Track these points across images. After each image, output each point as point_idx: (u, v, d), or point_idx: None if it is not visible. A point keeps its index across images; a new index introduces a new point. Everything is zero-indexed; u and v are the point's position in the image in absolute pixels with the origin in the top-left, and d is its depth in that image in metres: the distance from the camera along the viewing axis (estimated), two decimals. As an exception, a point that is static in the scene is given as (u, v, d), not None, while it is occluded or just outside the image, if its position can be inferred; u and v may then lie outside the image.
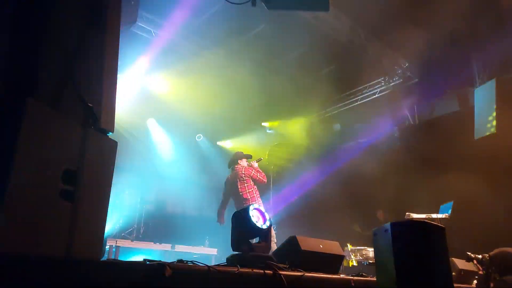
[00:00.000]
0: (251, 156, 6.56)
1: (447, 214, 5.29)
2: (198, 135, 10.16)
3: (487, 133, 6.68)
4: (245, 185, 6.16)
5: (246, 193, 6.12)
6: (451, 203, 5.42)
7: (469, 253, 3.98)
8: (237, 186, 6.18)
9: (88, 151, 1.90)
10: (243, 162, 6.40)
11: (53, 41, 1.99)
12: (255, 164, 6.38)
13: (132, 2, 6.19)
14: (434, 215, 5.25)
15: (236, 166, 6.38)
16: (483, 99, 7.01)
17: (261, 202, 6.18)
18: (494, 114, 6.61)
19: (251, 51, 7.90)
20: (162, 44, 7.39)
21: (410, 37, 6.99)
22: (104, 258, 5.81)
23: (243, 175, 6.18)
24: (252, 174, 6.22)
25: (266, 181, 6.41)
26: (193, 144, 10.20)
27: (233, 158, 6.52)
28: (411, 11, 6.38)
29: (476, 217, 6.66)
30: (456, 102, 8.17)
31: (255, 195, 6.14)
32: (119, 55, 2.39)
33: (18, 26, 1.88)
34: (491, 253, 3.98)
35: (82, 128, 1.93)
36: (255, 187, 6.23)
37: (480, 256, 3.97)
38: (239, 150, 6.82)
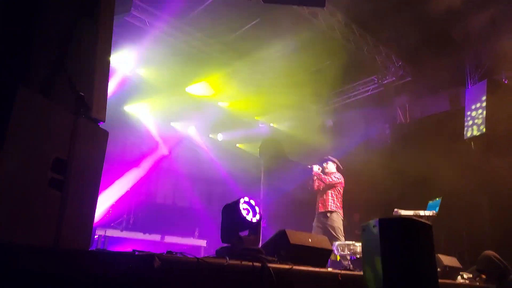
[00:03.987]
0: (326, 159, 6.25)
1: (434, 212, 5.36)
2: (190, 127, 10.12)
3: (477, 133, 6.78)
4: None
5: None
6: (439, 200, 5.49)
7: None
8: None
9: (78, 140, 1.89)
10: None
11: (46, 28, 1.96)
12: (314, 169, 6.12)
13: (127, -9, 6.11)
14: (421, 212, 5.31)
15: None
16: (474, 99, 7.11)
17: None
18: (485, 114, 6.71)
19: (245, 45, 7.85)
20: (155, 34, 7.30)
21: (404, 36, 7.03)
22: (93, 248, 5.79)
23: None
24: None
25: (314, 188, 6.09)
26: (185, 135, 10.16)
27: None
28: (405, 10, 6.41)
29: (463, 215, 6.78)
30: (447, 102, 8.26)
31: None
32: (111, 44, 2.37)
33: (10, 13, 1.85)
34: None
35: (73, 116, 1.91)
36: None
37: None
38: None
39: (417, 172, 7.16)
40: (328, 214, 5.83)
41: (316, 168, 6.10)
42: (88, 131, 1.99)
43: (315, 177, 6.06)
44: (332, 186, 5.93)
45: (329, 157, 6.27)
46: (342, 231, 5.77)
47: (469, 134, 6.96)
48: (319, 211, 5.96)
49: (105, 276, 1.72)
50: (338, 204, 5.90)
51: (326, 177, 6.00)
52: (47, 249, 1.70)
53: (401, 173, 7.32)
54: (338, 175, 6.06)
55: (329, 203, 5.86)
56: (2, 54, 1.76)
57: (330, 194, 5.90)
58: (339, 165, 6.22)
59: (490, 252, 4.00)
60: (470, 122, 7.01)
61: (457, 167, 6.48)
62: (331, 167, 6.14)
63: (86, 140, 1.96)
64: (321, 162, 6.22)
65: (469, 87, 7.49)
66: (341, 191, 6.00)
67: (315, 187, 6.07)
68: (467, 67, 7.63)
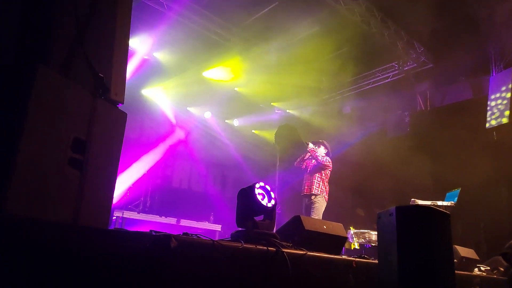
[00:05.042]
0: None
1: (452, 202, 5.25)
2: (206, 112, 10.14)
3: (500, 122, 6.58)
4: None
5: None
6: (458, 190, 5.38)
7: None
8: None
9: (97, 120, 1.91)
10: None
11: (65, 9, 1.97)
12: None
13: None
14: (439, 203, 5.22)
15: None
16: (498, 87, 6.88)
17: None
18: (509, 102, 6.50)
19: (262, 29, 7.75)
20: (173, 17, 7.28)
21: (426, 21, 6.79)
22: (111, 228, 5.92)
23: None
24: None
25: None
26: (202, 120, 10.20)
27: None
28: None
29: (482, 206, 6.64)
30: (469, 90, 8.01)
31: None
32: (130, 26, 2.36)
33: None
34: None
35: (92, 97, 1.93)
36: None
37: None
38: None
39: (437, 161, 7.02)
40: (313, 197, 5.94)
41: (311, 145, 6.14)
42: (106, 112, 2.00)
43: (308, 154, 6.12)
44: (321, 168, 5.99)
45: (323, 141, 6.35)
46: (321, 214, 5.88)
47: (491, 123, 6.76)
48: (305, 193, 6.08)
49: (123, 254, 1.75)
50: (324, 188, 5.99)
51: (320, 156, 6.07)
52: (66, 226, 1.74)
53: (420, 162, 7.18)
54: (329, 159, 6.16)
55: (315, 186, 5.96)
56: (22, 34, 1.77)
57: (317, 177, 6.02)
58: (330, 151, 6.30)
59: None
60: (493, 111, 6.80)
61: (478, 157, 6.32)
62: (321, 150, 6.19)
63: (104, 121, 1.98)
64: (314, 143, 6.28)
65: (493, 74, 7.24)
66: (329, 175, 6.10)
67: (303, 166, 6.20)
68: (491, 54, 7.35)
